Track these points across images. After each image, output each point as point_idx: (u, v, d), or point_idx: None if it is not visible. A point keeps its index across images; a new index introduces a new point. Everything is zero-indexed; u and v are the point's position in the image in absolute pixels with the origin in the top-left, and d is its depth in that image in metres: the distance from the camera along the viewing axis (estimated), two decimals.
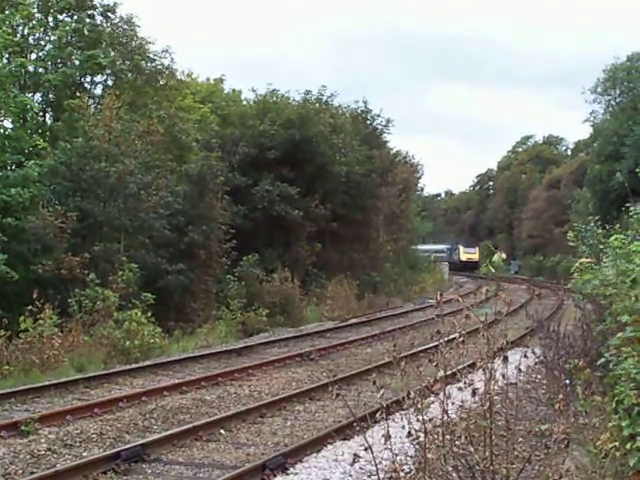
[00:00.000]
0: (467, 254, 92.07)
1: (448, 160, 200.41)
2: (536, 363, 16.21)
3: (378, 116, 47.78)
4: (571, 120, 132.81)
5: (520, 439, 10.25)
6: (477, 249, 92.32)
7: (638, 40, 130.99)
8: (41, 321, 19.21)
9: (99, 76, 33.03)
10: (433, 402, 6.71)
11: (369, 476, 9.32)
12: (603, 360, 8.11)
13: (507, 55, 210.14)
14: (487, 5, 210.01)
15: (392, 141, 57.63)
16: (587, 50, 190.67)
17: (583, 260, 10.79)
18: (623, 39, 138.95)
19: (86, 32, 31.57)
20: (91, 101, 31.67)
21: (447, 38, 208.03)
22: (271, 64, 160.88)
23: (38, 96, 31.21)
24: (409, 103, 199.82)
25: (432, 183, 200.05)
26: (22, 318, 19.22)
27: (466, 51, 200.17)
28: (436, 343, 6.79)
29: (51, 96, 31.37)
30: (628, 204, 15.55)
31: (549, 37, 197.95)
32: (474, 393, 6.86)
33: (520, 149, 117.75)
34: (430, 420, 6.66)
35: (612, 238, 11.23)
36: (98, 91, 33.58)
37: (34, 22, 30.30)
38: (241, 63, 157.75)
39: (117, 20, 33.57)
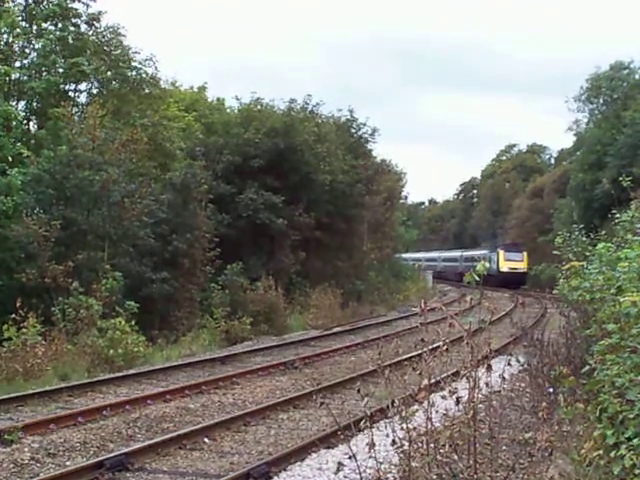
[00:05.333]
0: (509, 262, 69.37)
1: (432, 168, 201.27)
2: (520, 371, 16.27)
3: (364, 125, 47.56)
4: (555, 128, 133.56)
5: (504, 447, 10.27)
6: (524, 254, 70.70)
7: (622, 48, 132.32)
8: (24, 329, 19.14)
9: (84, 84, 32.97)
10: (417, 410, 6.72)
11: None
12: (587, 368, 8.14)
13: (492, 63, 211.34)
14: (473, 13, 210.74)
15: (377, 149, 57.51)
16: (574, 58, 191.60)
17: (574, 264, 10.80)
18: (609, 47, 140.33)
19: (70, 40, 31.49)
20: (75, 109, 31.56)
21: (430, 47, 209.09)
22: (260, 72, 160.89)
23: (22, 104, 31.11)
24: (392, 111, 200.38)
25: (416, 191, 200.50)
26: (5, 326, 19.18)
27: (450, 60, 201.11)
28: (420, 351, 6.80)
29: (35, 104, 31.26)
30: (614, 212, 15.64)
31: (536, 45, 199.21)
32: (458, 401, 6.87)
33: (504, 157, 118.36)
34: (414, 428, 6.67)
35: (600, 245, 11.27)
36: (83, 99, 33.53)
37: (18, 30, 30.16)
38: (227, 71, 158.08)
39: (102, 29, 33.48)
